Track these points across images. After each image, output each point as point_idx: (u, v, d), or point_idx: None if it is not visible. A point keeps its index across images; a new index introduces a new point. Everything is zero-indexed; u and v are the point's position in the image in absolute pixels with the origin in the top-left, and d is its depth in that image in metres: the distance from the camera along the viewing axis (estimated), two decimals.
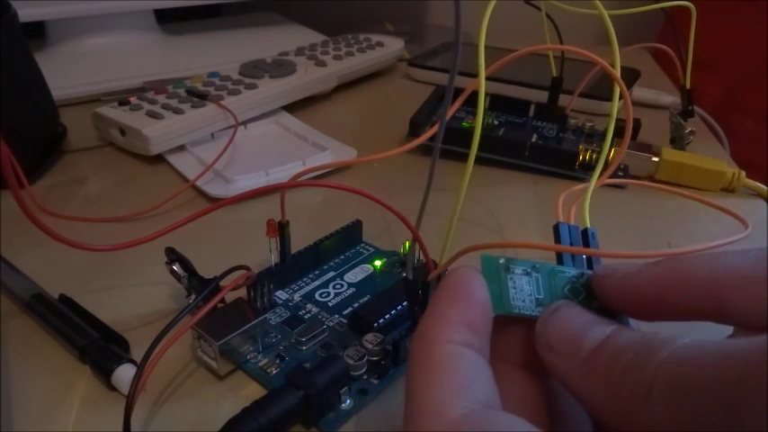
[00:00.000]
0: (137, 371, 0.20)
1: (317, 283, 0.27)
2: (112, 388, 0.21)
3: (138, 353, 0.22)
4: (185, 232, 0.31)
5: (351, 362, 0.21)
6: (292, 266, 0.26)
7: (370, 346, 0.22)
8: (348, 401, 0.21)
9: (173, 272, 0.24)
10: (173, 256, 0.25)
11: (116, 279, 0.27)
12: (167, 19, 0.58)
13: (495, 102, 0.42)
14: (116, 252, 0.28)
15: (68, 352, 0.23)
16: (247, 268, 0.23)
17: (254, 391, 0.21)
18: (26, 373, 0.22)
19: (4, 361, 0.23)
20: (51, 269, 0.27)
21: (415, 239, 0.20)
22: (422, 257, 0.21)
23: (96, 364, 0.22)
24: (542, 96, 0.42)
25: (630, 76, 0.51)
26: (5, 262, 0.27)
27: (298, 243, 0.27)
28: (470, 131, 0.37)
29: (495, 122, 0.41)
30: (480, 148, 0.38)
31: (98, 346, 0.22)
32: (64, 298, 0.25)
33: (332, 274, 0.27)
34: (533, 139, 0.38)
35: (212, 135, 0.40)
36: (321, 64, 0.47)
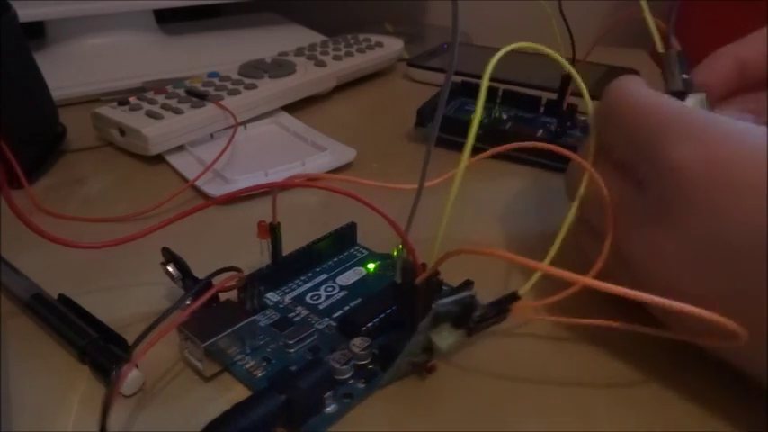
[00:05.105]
0: (113, 370, 0.20)
1: (308, 285, 0.26)
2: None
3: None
4: (185, 233, 0.31)
5: (336, 365, 0.21)
6: (285, 268, 0.26)
7: (357, 350, 0.22)
8: (332, 405, 0.20)
9: (167, 272, 0.24)
10: (168, 256, 0.25)
11: (115, 279, 0.27)
12: (167, 19, 0.58)
13: (508, 97, 0.42)
14: (116, 252, 0.28)
15: (68, 352, 0.23)
16: (238, 269, 0.23)
17: (240, 394, 0.21)
18: (26, 373, 0.22)
19: (3, 361, 0.23)
20: (51, 269, 0.27)
21: (404, 244, 0.20)
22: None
23: (96, 364, 0.22)
24: (552, 97, 0.42)
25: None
26: (5, 262, 0.27)
27: (298, 244, 0.27)
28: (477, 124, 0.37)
29: (504, 116, 0.41)
30: (484, 141, 0.38)
31: (98, 346, 0.22)
32: (63, 298, 0.25)
33: (324, 276, 0.27)
34: (539, 134, 0.38)
35: (212, 135, 0.40)
36: (321, 64, 0.47)
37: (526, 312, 0.23)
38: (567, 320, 0.23)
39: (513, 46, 0.22)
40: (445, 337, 0.21)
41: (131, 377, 0.21)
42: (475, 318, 0.21)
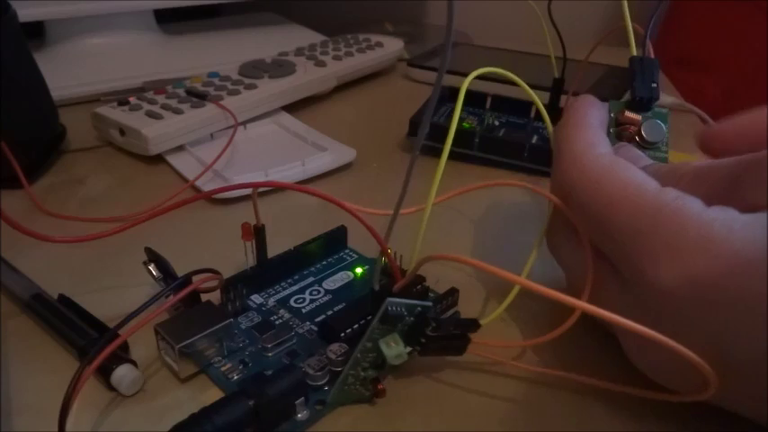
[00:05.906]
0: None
1: (294, 288, 0.26)
2: (112, 388, 0.21)
3: (137, 353, 0.23)
4: (182, 233, 0.31)
5: (311, 371, 0.21)
6: (270, 270, 0.26)
7: (333, 357, 0.21)
8: (304, 412, 0.20)
9: (149, 272, 0.24)
10: (151, 256, 0.24)
11: (115, 279, 0.27)
12: (167, 19, 0.58)
13: (497, 102, 0.42)
14: (116, 252, 0.28)
15: (68, 352, 0.23)
16: (215, 272, 0.23)
17: (213, 396, 0.21)
18: (26, 373, 0.22)
19: (3, 361, 0.23)
20: (51, 269, 0.27)
21: (383, 252, 0.20)
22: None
23: None
24: (545, 98, 0.42)
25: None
26: (5, 262, 0.27)
27: (296, 245, 0.27)
28: (471, 132, 0.37)
29: (496, 123, 0.41)
30: (480, 149, 0.38)
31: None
32: (63, 298, 0.25)
33: (311, 279, 0.27)
34: (533, 140, 0.38)
35: (212, 135, 0.40)
36: (321, 64, 0.47)
37: (489, 351, 0.22)
38: (534, 369, 0.22)
39: (478, 72, 0.23)
40: (393, 348, 0.20)
41: (131, 377, 0.21)
42: (428, 332, 0.20)
